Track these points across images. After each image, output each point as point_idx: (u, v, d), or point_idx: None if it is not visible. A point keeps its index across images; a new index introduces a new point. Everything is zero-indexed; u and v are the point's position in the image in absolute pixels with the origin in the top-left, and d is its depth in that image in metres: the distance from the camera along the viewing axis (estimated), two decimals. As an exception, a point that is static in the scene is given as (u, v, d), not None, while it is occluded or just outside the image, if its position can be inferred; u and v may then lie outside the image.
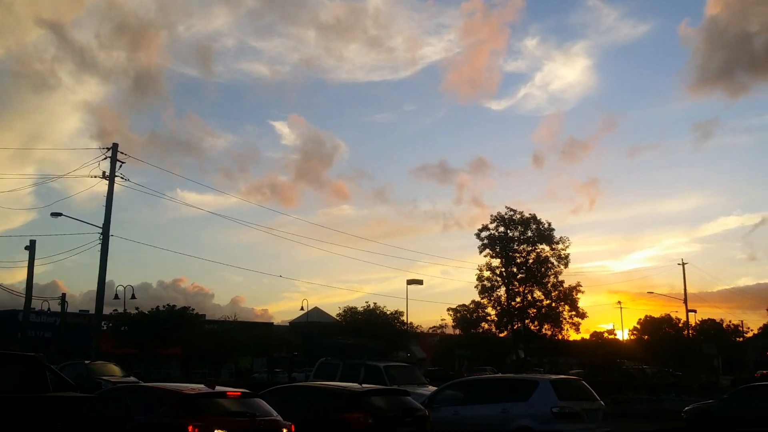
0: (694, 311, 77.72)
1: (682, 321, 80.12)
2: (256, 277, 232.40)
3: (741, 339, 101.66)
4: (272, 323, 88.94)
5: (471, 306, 63.70)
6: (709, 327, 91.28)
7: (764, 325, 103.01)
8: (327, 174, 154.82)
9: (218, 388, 11.53)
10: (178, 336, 53.67)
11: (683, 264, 71.40)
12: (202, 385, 11.78)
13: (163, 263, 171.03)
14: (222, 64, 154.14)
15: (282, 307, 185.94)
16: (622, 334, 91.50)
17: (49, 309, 55.92)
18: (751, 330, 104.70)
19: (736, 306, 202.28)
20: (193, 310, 57.70)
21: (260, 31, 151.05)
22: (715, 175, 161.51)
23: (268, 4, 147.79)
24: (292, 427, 11.46)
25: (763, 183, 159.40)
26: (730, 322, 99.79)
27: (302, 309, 63.61)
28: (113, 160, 33.26)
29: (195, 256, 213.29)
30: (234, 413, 10.94)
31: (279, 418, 11.38)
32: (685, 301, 71.59)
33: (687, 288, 72.60)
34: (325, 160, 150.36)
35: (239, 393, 11.63)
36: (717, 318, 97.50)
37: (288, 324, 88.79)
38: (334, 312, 72.79)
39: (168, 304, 55.23)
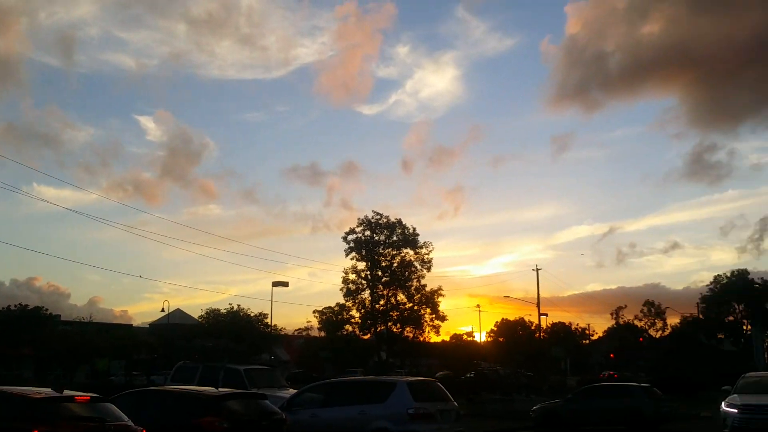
0: (546, 315, 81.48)
1: (534, 324, 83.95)
2: (116, 277, 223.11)
3: (587, 342, 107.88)
4: (131, 325, 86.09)
5: (336, 308, 64.10)
6: (559, 330, 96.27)
7: (608, 328, 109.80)
8: (194, 172, 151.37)
9: (66, 392, 11.15)
10: (30, 337, 51.00)
11: (537, 270, 74.82)
12: (50, 389, 11.34)
13: (16, 261, 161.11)
14: (85, 54, 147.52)
15: (143, 308, 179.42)
16: (480, 337, 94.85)
17: None
18: (597, 333, 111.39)
19: (584, 310, 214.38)
20: (47, 310, 55.11)
21: (127, 22, 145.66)
22: (570, 186, 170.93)
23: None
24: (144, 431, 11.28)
25: (612, 195, 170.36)
26: (578, 325, 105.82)
27: (163, 310, 61.96)
28: (-40, 150, 31.16)
29: (51, 254, 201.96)
30: (83, 418, 10.64)
31: (130, 423, 11.17)
32: (538, 305, 75.09)
33: (540, 292, 76.19)
34: (192, 158, 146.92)
35: (88, 397, 11.31)
36: (567, 321, 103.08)
37: (148, 326, 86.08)
38: (197, 314, 71.38)
39: (20, 304, 52.53)
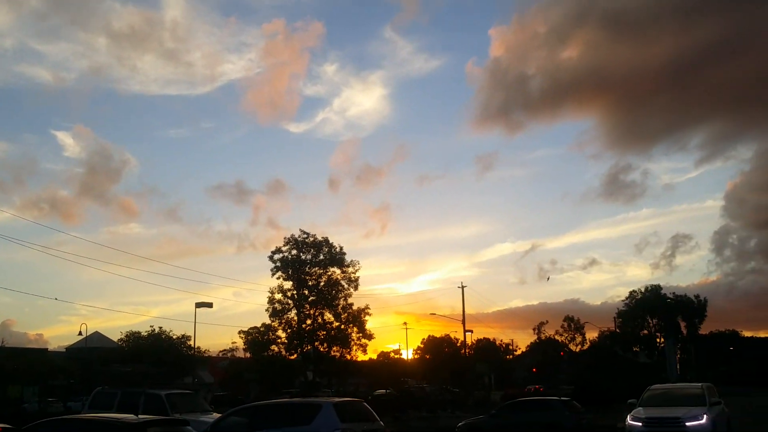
0: (471, 331, 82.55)
1: (460, 341, 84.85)
2: (30, 300, 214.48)
3: (511, 357, 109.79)
4: (47, 349, 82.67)
5: (262, 329, 63.36)
6: (484, 346, 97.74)
7: (531, 343, 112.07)
8: (114, 190, 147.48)
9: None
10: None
11: (462, 287, 75.68)
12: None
13: None
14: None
15: (59, 331, 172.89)
16: (407, 354, 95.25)
17: None
18: (520, 348, 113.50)
19: (508, 326, 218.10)
20: (-48, 335, 52.40)
21: (44, 34, 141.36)
22: (494, 204, 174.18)
23: (54, 5, 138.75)
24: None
25: (534, 213, 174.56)
26: (501, 341, 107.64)
27: (80, 334, 60.04)
28: None
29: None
30: (-9, 452, 10.18)
31: (44, 455, 10.72)
32: (464, 322, 75.94)
33: (465, 309, 77.07)
34: (112, 175, 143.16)
35: (1, 428, 10.83)
36: (491, 337, 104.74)
37: (65, 350, 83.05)
38: (116, 337, 69.34)
39: None
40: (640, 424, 19.58)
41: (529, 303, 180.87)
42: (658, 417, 19.63)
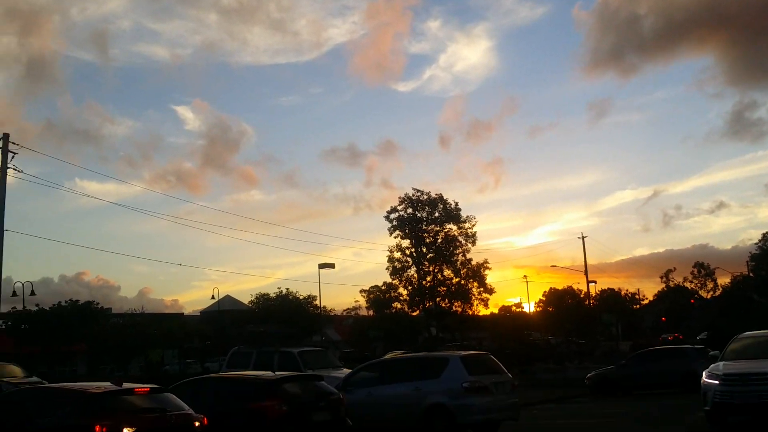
0: (594, 282, 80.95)
1: (583, 292, 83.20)
2: (164, 267, 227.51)
3: (638, 306, 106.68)
4: (183, 313, 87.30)
5: (383, 287, 64.31)
6: (609, 296, 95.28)
7: (658, 292, 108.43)
8: (234, 159, 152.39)
9: (126, 385, 11.25)
10: (82, 332, 51.89)
11: (583, 237, 74.03)
12: (109, 383, 11.45)
13: (64, 257, 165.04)
14: (119, 48, 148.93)
15: (193, 296, 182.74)
16: (529, 307, 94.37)
17: (-60, 310, 53.05)
18: (647, 297, 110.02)
19: (633, 275, 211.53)
20: (98, 304, 56.07)
21: (158, 13, 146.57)
22: (611, 151, 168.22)
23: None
24: (205, 419, 11.33)
25: (654, 158, 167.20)
26: (627, 290, 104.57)
27: (213, 298, 62.89)
28: (4, 151, 31.62)
29: (98, 248, 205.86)
30: (143, 410, 10.72)
31: (191, 411, 11.23)
32: (586, 273, 74.45)
33: (587, 260, 75.54)
34: (231, 145, 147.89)
35: (148, 389, 11.40)
36: (615, 287, 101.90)
37: (199, 313, 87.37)
38: (246, 299, 72.12)
39: (71, 299, 53.40)
40: (716, 382, 15.01)
41: (655, 251, 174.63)
42: (742, 373, 14.90)
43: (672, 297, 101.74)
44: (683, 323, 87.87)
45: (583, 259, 75.61)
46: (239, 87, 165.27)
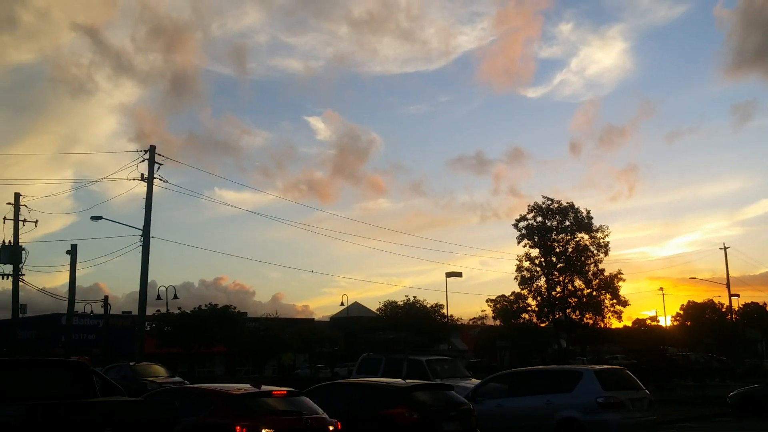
0: (737, 295, 76.55)
1: (725, 306, 78.95)
2: (295, 274, 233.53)
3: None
4: (313, 319, 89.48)
5: (511, 297, 63.44)
6: (753, 311, 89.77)
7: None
8: (363, 168, 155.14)
9: (264, 387, 11.65)
10: (221, 334, 54.16)
11: (725, 248, 70.25)
12: (248, 385, 11.91)
13: (203, 262, 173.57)
14: (256, 62, 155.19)
15: (322, 302, 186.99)
16: (665, 321, 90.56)
17: (92, 311, 56.96)
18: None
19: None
20: (235, 308, 58.25)
21: (292, 27, 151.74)
22: (755, 157, 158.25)
23: (299, 0, 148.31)
24: (338, 424, 11.55)
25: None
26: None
27: (342, 304, 64.38)
28: (151, 162, 33.68)
29: (235, 254, 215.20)
30: (281, 412, 11.06)
31: (325, 415, 11.48)
32: (728, 286, 70.41)
33: (729, 272, 71.46)
34: (360, 155, 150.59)
35: (285, 392, 11.76)
36: (760, 301, 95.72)
37: (329, 319, 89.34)
38: (373, 306, 73.18)
39: (210, 303, 55.84)
40: None
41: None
42: None
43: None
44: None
45: (724, 271, 71.67)
46: (369, 97, 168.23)
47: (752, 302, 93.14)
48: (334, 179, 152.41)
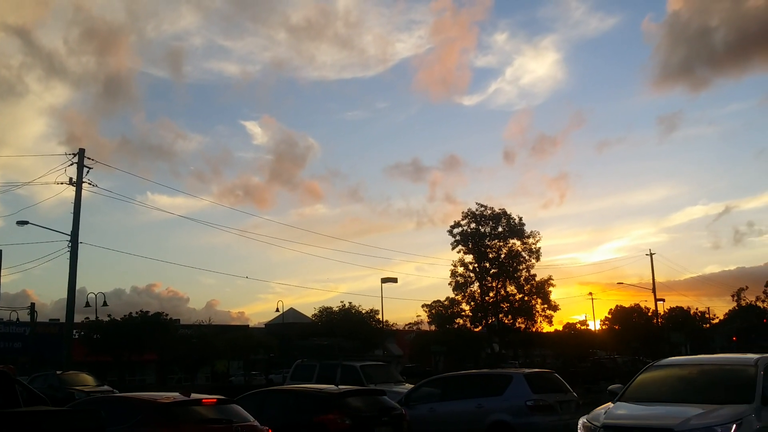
0: (663, 300, 79.13)
1: (651, 310, 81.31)
2: (230, 280, 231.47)
3: (708, 325, 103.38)
4: (248, 325, 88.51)
5: (446, 302, 64.06)
6: (677, 315, 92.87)
7: (730, 311, 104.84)
8: (300, 174, 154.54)
9: (193, 396, 11.49)
10: (152, 342, 53.14)
11: (651, 254, 72.53)
12: (177, 393, 11.72)
13: (135, 269, 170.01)
14: (191, 65, 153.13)
15: (258, 309, 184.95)
16: (594, 325, 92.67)
17: (18, 319, 55.17)
18: (717, 317, 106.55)
19: (703, 293, 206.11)
20: (167, 315, 57.18)
21: (229, 31, 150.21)
22: (681, 166, 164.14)
23: (237, 4, 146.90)
24: (269, 431, 11.50)
25: (726, 173, 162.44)
26: (697, 309, 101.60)
27: (277, 310, 63.92)
28: (80, 166, 32.95)
29: (168, 261, 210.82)
30: (210, 420, 10.95)
31: (256, 423, 11.41)
32: (654, 291, 72.78)
33: (655, 277, 73.85)
34: (297, 160, 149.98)
35: (215, 400, 11.63)
36: (685, 306, 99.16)
37: (264, 326, 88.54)
38: (309, 312, 72.84)
39: (141, 310, 54.76)
40: None
41: (726, 268, 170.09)
42: (630, 426, 9.65)
43: (743, 316, 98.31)
44: (755, 343, 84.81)
45: (651, 277, 74.01)
46: (306, 102, 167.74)
47: (677, 306, 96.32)
48: (271, 185, 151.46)
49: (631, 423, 9.75)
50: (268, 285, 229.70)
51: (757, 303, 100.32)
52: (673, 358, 12.43)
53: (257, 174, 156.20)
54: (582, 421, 10.31)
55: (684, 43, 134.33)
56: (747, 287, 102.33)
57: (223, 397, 12.01)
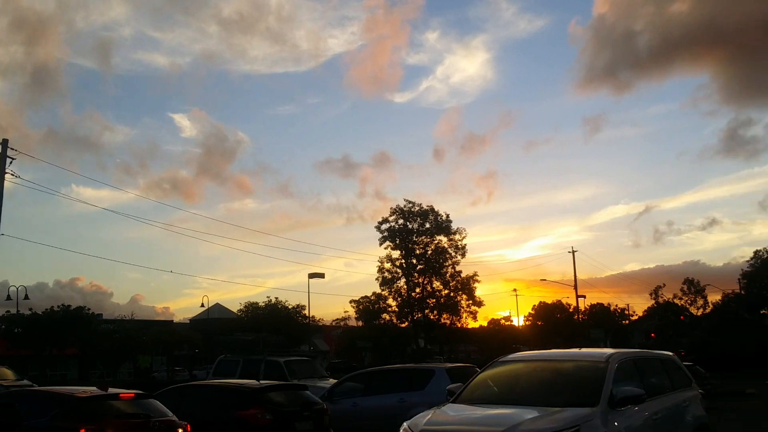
0: (584, 297, 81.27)
1: (573, 306, 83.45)
2: (156, 275, 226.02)
3: (627, 322, 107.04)
4: (172, 321, 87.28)
5: (372, 298, 64.47)
6: (598, 311, 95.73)
7: (648, 308, 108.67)
8: (229, 168, 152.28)
9: (111, 390, 11.38)
10: (74, 336, 51.97)
11: (573, 252, 74.40)
12: (95, 388, 11.59)
13: (59, 262, 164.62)
14: (120, 56, 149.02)
15: (183, 304, 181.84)
16: (518, 321, 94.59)
17: (-65, 313, 52.98)
18: (636, 313, 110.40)
19: (623, 290, 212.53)
20: (89, 309, 55.99)
21: (159, 22, 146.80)
22: (604, 166, 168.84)
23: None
24: (188, 426, 11.46)
25: (647, 173, 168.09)
26: (617, 306, 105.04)
27: (203, 306, 63.02)
28: (3, 156, 31.80)
29: (92, 254, 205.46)
30: (128, 415, 10.86)
31: (174, 418, 11.36)
32: (576, 288, 74.71)
33: (577, 274, 75.79)
34: (227, 154, 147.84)
35: (133, 394, 11.53)
36: (605, 302, 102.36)
37: (189, 321, 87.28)
38: (236, 308, 72.18)
39: (63, 304, 53.45)
40: None
41: (646, 266, 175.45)
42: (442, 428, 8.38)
43: (661, 313, 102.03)
44: (672, 340, 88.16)
45: (573, 274, 75.99)
46: (237, 96, 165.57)
47: (598, 303, 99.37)
48: (199, 179, 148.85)
49: (451, 429, 8.36)
50: (195, 280, 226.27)
51: (675, 300, 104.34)
52: (522, 352, 10.61)
53: (185, 167, 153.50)
54: (403, 427, 8.59)
55: (609, 47, 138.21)
56: (665, 285, 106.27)
57: (141, 392, 11.91)
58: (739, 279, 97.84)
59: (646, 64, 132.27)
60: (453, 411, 8.88)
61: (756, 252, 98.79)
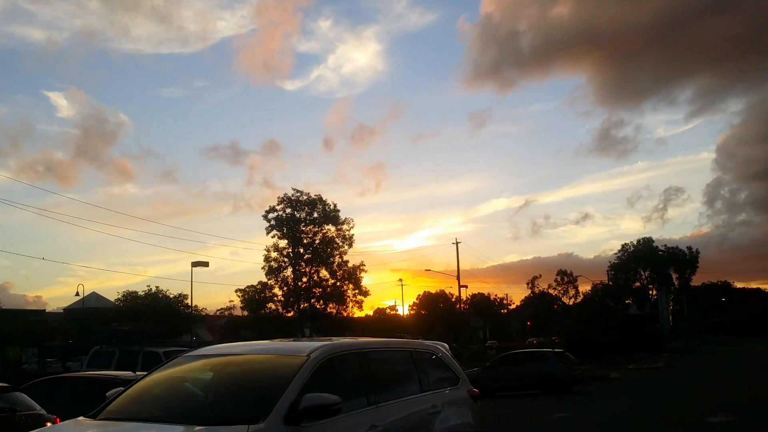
0: (466, 287, 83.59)
1: (455, 296, 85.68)
2: (26, 261, 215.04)
3: (505, 311, 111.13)
4: (44, 310, 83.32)
5: (258, 287, 63.84)
6: (479, 301, 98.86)
7: (525, 297, 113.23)
8: (109, 151, 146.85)
9: (-26, 384, 10.84)
10: (-69, 327, 48.72)
11: (456, 243, 76.24)
12: (-44, 382, 10.99)
13: None
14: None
15: (57, 292, 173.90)
16: (403, 310, 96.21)
17: None
18: (514, 302, 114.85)
19: (503, 281, 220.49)
20: (-49, 298, 52.76)
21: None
22: (488, 161, 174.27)
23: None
24: (57, 420, 11.04)
25: (527, 168, 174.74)
26: (496, 295, 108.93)
27: (78, 294, 60.66)
28: None
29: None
30: (-9, 409, 10.38)
31: (43, 411, 10.95)
32: (458, 278, 76.67)
33: (460, 265, 77.80)
34: (107, 137, 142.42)
35: (-3, 387, 11.02)
36: (486, 292, 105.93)
37: (63, 311, 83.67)
38: (114, 297, 69.86)
39: None
40: None
41: (524, 258, 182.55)
42: None
43: (537, 303, 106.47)
44: (546, 328, 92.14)
45: (456, 264, 77.90)
46: (119, 76, 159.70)
47: (479, 293, 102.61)
48: (77, 161, 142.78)
49: None
50: (69, 267, 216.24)
51: (550, 290, 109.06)
52: (216, 345, 7.71)
53: (61, 149, 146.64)
54: None
55: (494, 45, 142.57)
56: (541, 276, 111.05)
57: (5, 385, 11.38)
58: (607, 270, 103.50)
59: (528, 64, 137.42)
60: (97, 426, 6.08)
61: (623, 245, 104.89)
